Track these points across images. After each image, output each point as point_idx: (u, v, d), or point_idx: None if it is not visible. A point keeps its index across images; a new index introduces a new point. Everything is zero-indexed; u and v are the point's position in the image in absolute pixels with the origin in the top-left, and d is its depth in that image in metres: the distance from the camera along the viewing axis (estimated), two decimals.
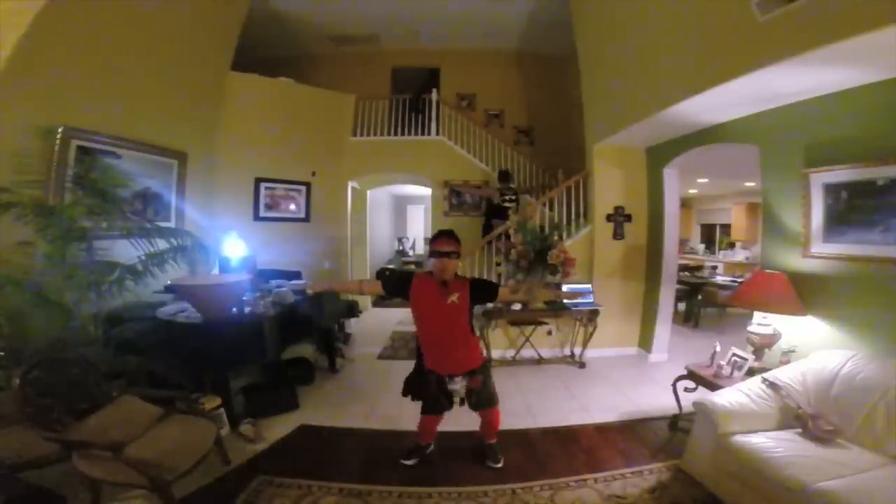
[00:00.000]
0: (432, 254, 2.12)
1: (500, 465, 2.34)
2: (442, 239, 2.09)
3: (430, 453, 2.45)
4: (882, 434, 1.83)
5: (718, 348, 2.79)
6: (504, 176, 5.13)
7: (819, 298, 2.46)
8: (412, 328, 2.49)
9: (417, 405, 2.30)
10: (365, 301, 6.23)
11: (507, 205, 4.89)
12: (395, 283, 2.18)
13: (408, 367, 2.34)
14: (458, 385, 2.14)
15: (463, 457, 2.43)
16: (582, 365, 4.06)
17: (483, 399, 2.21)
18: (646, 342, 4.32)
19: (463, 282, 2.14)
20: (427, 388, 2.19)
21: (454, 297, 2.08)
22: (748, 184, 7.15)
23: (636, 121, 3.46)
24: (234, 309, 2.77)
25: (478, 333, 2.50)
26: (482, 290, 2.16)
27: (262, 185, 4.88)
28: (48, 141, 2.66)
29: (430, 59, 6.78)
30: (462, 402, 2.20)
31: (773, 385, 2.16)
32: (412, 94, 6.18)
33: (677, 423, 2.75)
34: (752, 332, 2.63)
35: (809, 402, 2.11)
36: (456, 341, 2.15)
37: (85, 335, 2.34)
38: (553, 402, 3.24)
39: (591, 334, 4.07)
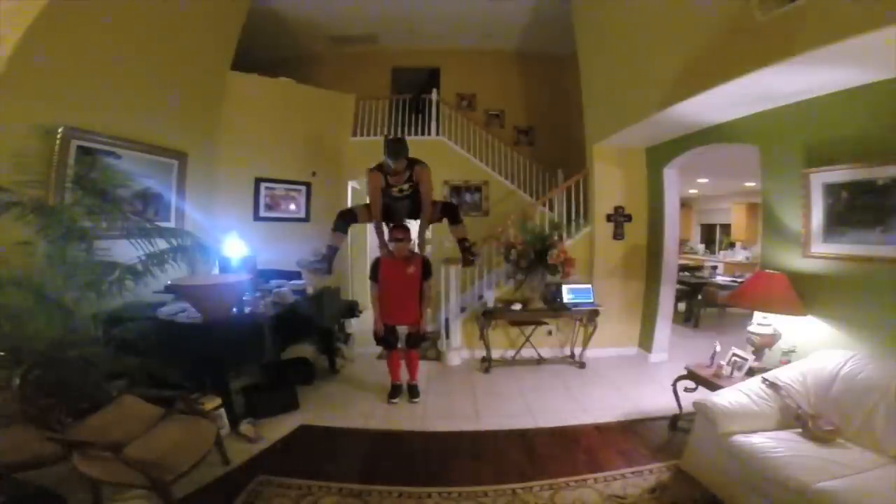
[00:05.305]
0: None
1: (417, 400, 3.20)
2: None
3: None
4: (882, 434, 1.83)
5: (718, 348, 2.78)
6: (394, 147, 3.09)
7: (819, 298, 2.46)
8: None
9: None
10: (365, 301, 6.21)
11: (399, 195, 3.23)
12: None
13: None
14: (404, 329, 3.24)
15: (463, 457, 2.43)
16: (582, 365, 4.06)
17: (413, 341, 3.23)
18: (646, 342, 4.32)
19: (416, 258, 3.20)
20: (386, 335, 3.18)
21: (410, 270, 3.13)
22: (748, 184, 7.15)
23: (636, 121, 3.46)
24: (234, 309, 2.77)
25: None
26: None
27: (262, 185, 4.88)
28: (48, 141, 2.66)
29: (430, 59, 6.77)
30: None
31: (773, 385, 2.16)
32: (412, 94, 6.16)
33: (677, 423, 2.75)
34: (752, 332, 2.63)
35: (809, 402, 2.11)
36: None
37: (85, 335, 2.33)
38: (553, 402, 3.24)
39: (591, 334, 4.07)
